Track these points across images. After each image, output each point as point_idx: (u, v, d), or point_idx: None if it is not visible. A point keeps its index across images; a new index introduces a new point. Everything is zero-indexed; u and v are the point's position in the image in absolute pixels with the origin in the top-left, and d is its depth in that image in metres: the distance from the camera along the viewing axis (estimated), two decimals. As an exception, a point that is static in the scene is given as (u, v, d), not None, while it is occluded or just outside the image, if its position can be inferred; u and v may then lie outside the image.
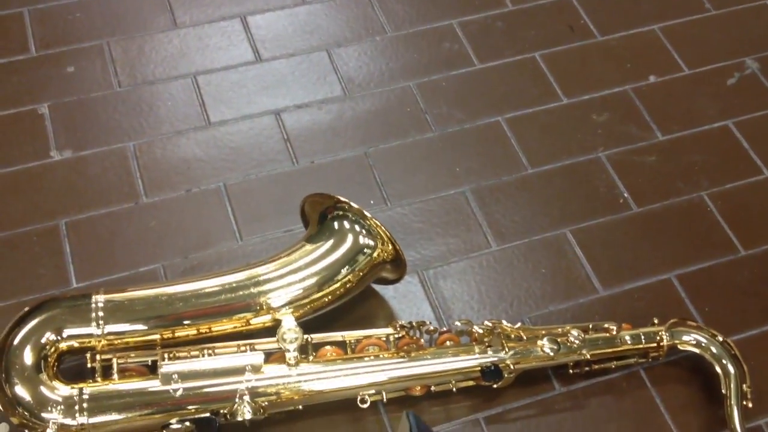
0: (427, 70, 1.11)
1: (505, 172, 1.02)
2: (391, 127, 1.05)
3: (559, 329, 0.84)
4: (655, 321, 0.86)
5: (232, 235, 0.95)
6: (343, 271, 0.83)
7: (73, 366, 0.82)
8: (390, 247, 0.84)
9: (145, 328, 0.79)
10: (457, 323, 0.84)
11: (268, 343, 0.80)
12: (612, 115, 1.08)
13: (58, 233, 0.95)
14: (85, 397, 0.76)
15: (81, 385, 0.77)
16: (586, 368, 0.85)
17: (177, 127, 1.04)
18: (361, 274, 0.84)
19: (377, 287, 0.91)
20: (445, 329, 0.84)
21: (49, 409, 0.74)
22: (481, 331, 0.81)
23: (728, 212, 0.99)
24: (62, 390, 0.76)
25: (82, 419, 0.75)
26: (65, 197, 0.98)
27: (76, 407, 0.75)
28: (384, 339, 0.82)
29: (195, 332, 0.80)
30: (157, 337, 0.80)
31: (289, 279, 0.82)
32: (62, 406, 0.75)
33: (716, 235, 0.97)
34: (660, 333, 0.84)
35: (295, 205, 0.91)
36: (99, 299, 0.79)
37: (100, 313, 0.78)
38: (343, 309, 0.86)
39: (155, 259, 0.93)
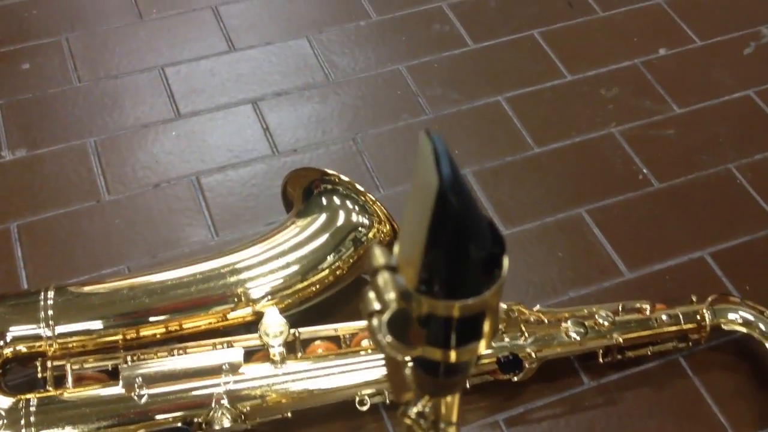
0: (418, 53, 1.02)
1: (509, 152, 0.91)
2: (380, 112, 0.96)
3: (585, 310, 0.73)
4: (694, 299, 0.75)
5: (206, 231, 0.84)
6: (333, 256, 0.72)
7: (26, 382, 0.71)
8: (388, 227, 0.74)
9: (104, 327, 0.68)
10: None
11: (249, 340, 0.69)
12: (622, 90, 0.98)
13: (9, 237, 0.84)
14: (32, 409, 0.64)
15: (28, 395, 0.65)
16: (619, 356, 0.73)
17: (143, 120, 0.94)
18: (353, 259, 0.73)
19: (373, 278, 0.80)
20: (453, 317, 0.73)
21: (-11, 424, 0.63)
22: (496, 312, 0.70)
23: (760, 183, 0.89)
24: (3, 402, 0.64)
25: (28, 435, 0.63)
26: (17, 198, 0.87)
27: (22, 421, 0.63)
28: (384, 331, 0.71)
29: (163, 331, 0.69)
30: (118, 338, 0.68)
31: (271, 265, 0.71)
32: (5, 421, 0.63)
33: (749, 207, 0.87)
34: (701, 311, 0.73)
35: (277, 196, 0.81)
36: (49, 295, 0.67)
37: (50, 312, 0.67)
38: (335, 301, 0.75)
39: (120, 260, 0.82)
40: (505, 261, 0.32)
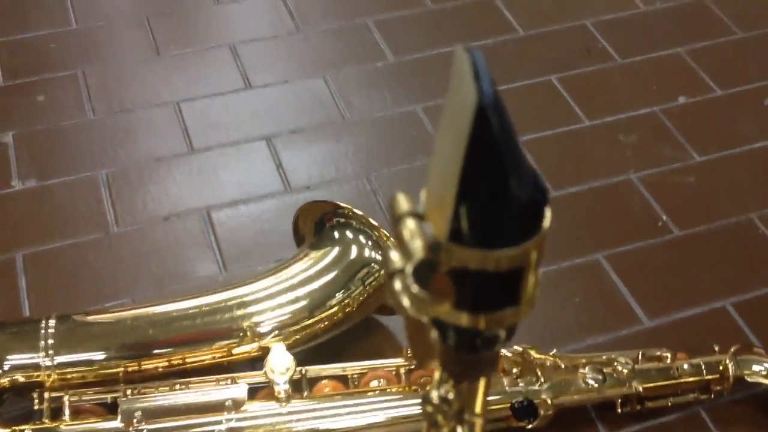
0: (434, 95, 1.01)
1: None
2: (395, 152, 0.94)
3: (604, 357, 0.70)
4: (716, 349, 0.72)
5: (214, 265, 0.83)
6: (343, 292, 0.70)
7: (22, 415, 0.68)
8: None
9: (105, 358, 0.66)
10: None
11: (254, 377, 0.66)
12: (641, 136, 0.97)
13: (14, 266, 0.82)
14: (27, 441, 0.61)
15: (23, 426, 0.62)
16: (638, 406, 0.70)
17: (156, 154, 0.93)
18: (364, 296, 0.71)
19: (384, 320, 0.78)
20: (466, 360, 0.70)
21: (-19, 455, 0.60)
22: (510, 355, 0.67)
23: (783, 234, 0.87)
24: (-2, 432, 0.61)
25: (21, 468, 0.60)
26: (24, 228, 0.86)
27: (16, 454, 0.61)
28: (393, 371, 0.68)
29: (166, 364, 0.67)
30: (119, 370, 0.66)
31: (279, 300, 0.69)
32: (-2, 452, 0.61)
33: (773, 258, 0.85)
34: (723, 362, 0.71)
35: (287, 233, 0.79)
36: (50, 323, 0.65)
37: (51, 341, 0.65)
38: (344, 340, 0.73)
39: (125, 293, 0.80)
40: (548, 212, 0.28)
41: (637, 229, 0.87)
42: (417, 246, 0.27)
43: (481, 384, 0.33)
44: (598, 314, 0.80)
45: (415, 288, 0.28)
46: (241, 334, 0.67)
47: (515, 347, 0.68)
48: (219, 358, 0.68)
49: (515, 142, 0.27)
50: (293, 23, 1.10)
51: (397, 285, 0.28)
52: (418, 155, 0.94)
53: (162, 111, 0.98)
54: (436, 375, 0.33)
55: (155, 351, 0.66)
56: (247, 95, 1.00)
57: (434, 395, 0.32)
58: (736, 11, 1.13)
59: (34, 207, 0.88)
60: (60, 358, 0.65)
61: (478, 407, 0.34)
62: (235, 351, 0.67)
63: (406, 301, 0.28)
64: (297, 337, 0.69)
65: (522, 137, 0.94)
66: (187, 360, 0.67)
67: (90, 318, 0.67)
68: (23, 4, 1.11)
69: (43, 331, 0.65)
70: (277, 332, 0.68)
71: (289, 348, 0.67)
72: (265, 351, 0.67)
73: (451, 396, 0.32)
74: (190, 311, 0.67)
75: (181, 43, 1.07)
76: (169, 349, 0.66)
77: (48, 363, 0.64)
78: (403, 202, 0.28)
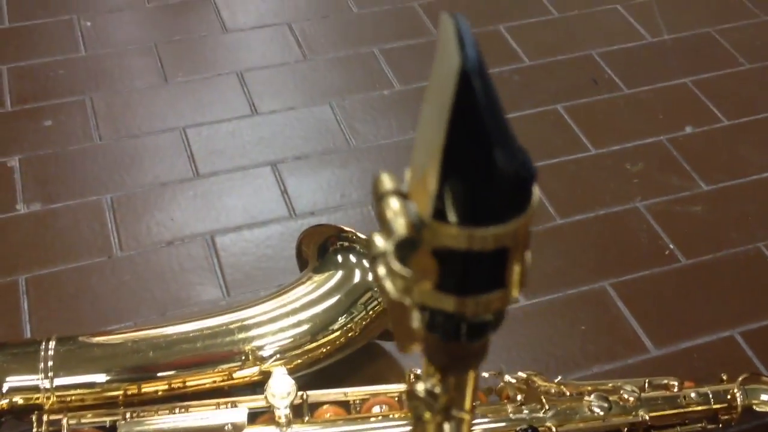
0: (440, 123, 1.01)
1: (533, 222, 0.89)
2: (401, 178, 0.94)
3: (610, 384, 0.69)
4: (724, 377, 0.71)
5: (217, 290, 0.82)
6: (346, 317, 0.69)
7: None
8: (402, 291, 0.71)
9: (105, 381, 0.65)
10: (484, 374, 0.69)
11: (255, 401, 0.66)
12: (648, 165, 0.96)
13: (16, 289, 0.82)
14: (24, 463, 0.60)
15: (20, 449, 0.62)
16: (644, 436, 0.69)
17: (161, 179, 0.93)
18: (366, 321, 0.70)
19: (387, 345, 0.77)
20: (470, 386, 0.69)
21: (-24, 477, 0.59)
22: (513, 381, 0.67)
23: (792, 264, 0.86)
24: (-5, 454, 0.61)
25: (16, 491, 0.59)
26: (28, 251, 0.85)
27: (12, 477, 0.60)
28: (396, 397, 0.68)
29: (166, 387, 0.66)
30: (119, 393, 0.65)
31: (281, 323, 0.68)
32: (-7, 475, 0.60)
33: (781, 288, 0.84)
34: (731, 391, 0.69)
35: (291, 258, 0.79)
36: (51, 345, 0.65)
37: (50, 362, 0.64)
38: (346, 365, 0.72)
39: (127, 317, 0.80)
40: (535, 190, 0.27)
41: (644, 257, 0.86)
42: (400, 224, 0.26)
43: (470, 378, 0.32)
44: (604, 342, 0.79)
45: (396, 265, 0.27)
46: (243, 357, 0.67)
47: (519, 374, 0.68)
48: (220, 381, 0.67)
49: (500, 112, 0.26)
50: (300, 51, 1.11)
51: (381, 269, 0.27)
52: (423, 182, 0.93)
53: (168, 137, 0.98)
54: (423, 368, 0.32)
55: (155, 374, 0.65)
56: (254, 121, 1.00)
57: (420, 388, 0.31)
58: (742, 43, 1.13)
59: (38, 230, 0.88)
60: (59, 380, 0.64)
61: (466, 403, 0.32)
62: (235, 375, 0.67)
63: (388, 284, 0.27)
64: (299, 361, 0.68)
65: (528, 165, 0.93)
66: (188, 383, 0.66)
67: (90, 340, 0.66)
68: (33, 30, 1.12)
69: (42, 353, 0.64)
70: (278, 356, 0.67)
71: (291, 372, 0.67)
72: (266, 375, 0.66)
73: (437, 390, 0.31)
74: (191, 334, 0.67)
75: (189, 70, 1.07)
76: (169, 373, 0.66)
77: (47, 385, 0.64)
78: (386, 181, 0.28)
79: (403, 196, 0.27)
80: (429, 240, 0.26)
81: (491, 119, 0.25)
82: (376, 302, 0.70)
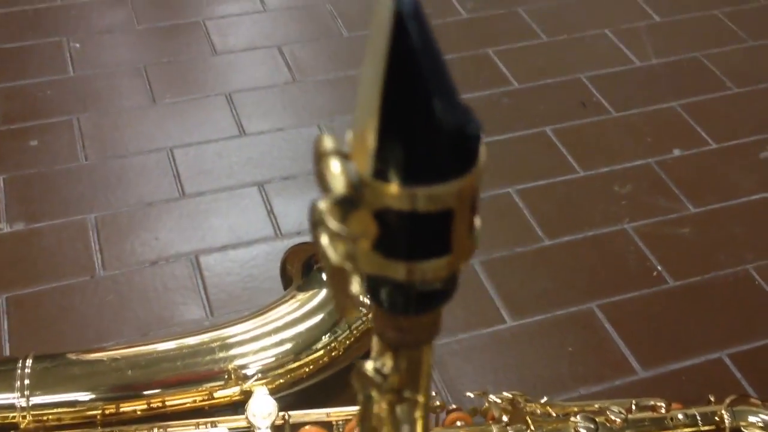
0: (428, 144, 1.00)
1: (519, 243, 0.89)
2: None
3: (596, 405, 0.68)
4: (711, 399, 0.70)
5: (201, 310, 0.81)
6: (329, 336, 0.68)
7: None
8: (387, 310, 0.70)
9: (83, 400, 0.64)
10: (470, 394, 0.68)
11: (235, 421, 0.64)
12: (636, 187, 0.96)
13: (-3, 308, 0.81)
14: (-3, 483, 0.59)
15: (-6, 469, 0.60)
16: (631, 458, 0.68)
17: (146, 199, 0.93)
18: (350, 340, 0.69)
19: (372, 364, 0.76)
20: (453, 407, 0.68)
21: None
22: (499, 401, 0.65)
23: (780, 286, 0.85)
24: (-32, 474, 0.59)
25: None
26: (10, 271, 0.85)
27: (-16, 497, 0.58)
28: (379, 418, 0.66)
29: (145, 407, 0.65)
30: (97, 412, 0.64)
31: (263, 342, 0.67)
32: (-35, 495, 0.58)
33: (770, 309, 0.83)
34: (719, 412, 0.68)
35: (277, 279, 0.78)
36: (27, 363, 0.64)
37: (27, 381, 0.63)
38: (329, 387, 0.71)
39: (109, 337, 0.79)
40: (483, 150, 0.25)
41: (632, 278, 0.86)
42: (339, 183, 0.25)
43: (423, 357, 0.29)
44: (591, 364, 0.78)
45: (333, 224, 0.25)
46: (224, 376, 0.65)
47: (505, 394, 0.67)
48: (200, 401, 0.66)
49: (440, 60, 0.24)
50: (290, 74, 1.11)
51: (322, 235, 0.25)
52: (410, 203, 0.93)
53: (155, 157, 0.98)
54: (373, 346, 0.30)
55: (134, 393, 0.64)
56: (241, 142, 1.00)
57: (368, 366, 0.29)
58: (730, 67, 1.14)
59: (20, 249, 0.87)
60: (36, 399, 0.63)
61: (419, 384, 0.30)
62: (216, 394, 0.66)
63: (330, 250, 0.26)
64: (281, 381, 0.67)
65: (515, 186, 0.93)
66: (167, 403, 0.65)
67: (68, 358, 0.65)
68: (22, 52, 1.12)
69: (19, 371, 0.63)
70: (260, 375, 0.66)
71: (273, 392, 0.66)
72: (247, 395, 0.65)
73: (387, 369, 0.29)
74: (171, 353, 0.66)
75: (178, 92, 1.07)
76: (148, 392, 0.64)
77: (23, 404, 0.62)
78: (327, 142, 0.26)
79: (344, 156, 0.25)
80: (370, 201, 0.25)
81: (429, 65, 0.23)
82: (360, 322, 0.69)
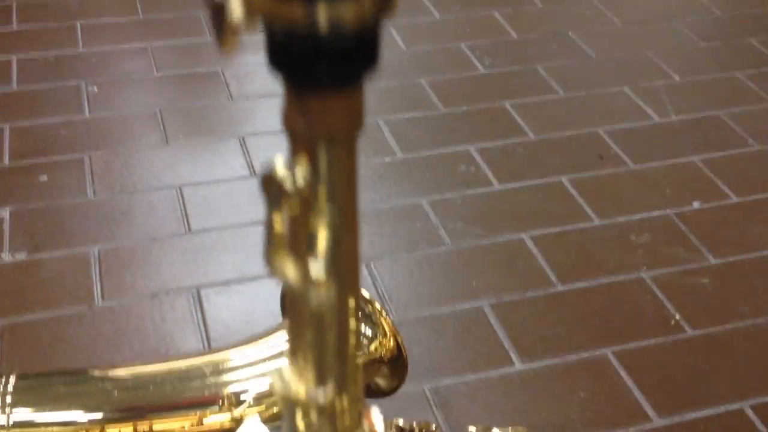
0: (441, 190, 0.99)
1: (531, 288, 0.86)
2: (398, 241, 0.91)
3: (608, 447, 0.64)
4: (733, 447, 0.66)
5: (198, 343, 0.79)
6: (328, 365, 0.65)
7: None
8: (392, 343, 0.67)
9: (66, 420, 0.61)
10: (471, 428, 0.64)
11: (224, 449, 0.61)
12: (654, 237, 0.93)
13: (-9, 335, 0.79)
14: (-32, 503, 0.56)
15: (-34, 488, 0.57)
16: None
17: (151, 234, 0.91)
18: (350, 372, 0.66)
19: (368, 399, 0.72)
20: (456, 444, 0.65)
21: None
22: (503, 435, 0.62)
23: (805, 338, 0.81)
24: (-62, 491, 0.56)
25: None
26: (7, 300, 0.83)
27: None
28: (377, 453, 0.63)
29: (131, 430, 0.61)
30: (79, 435, 0.61)
31: (258, 369, 0.64)
32: None
33: (794, 361, 0.79)
34: (741, 460, 0.64)
35: (277, 314, 0.75)
36: (10, 380, 0.61)
37: (8, 398, 0.60)
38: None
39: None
40: None
41: (648, 326, 0.82)
42: None
43: (346, 160, 0.23)
44: (604, 410, 0.74)
45: None
46: (216, 402, 0.62)
47: (509, 429, 0.63)
48: (188, 427, 0.62)
49: None
50: (304, 120, 1.10)
51: None
52: (419, 245, 0.91)
53: (163, 194, 0.97)
54: (288, 150, 0.24)
55: (120, 415, 0.61)
56: (251, 183, 0.99)
57: (278, 166, 0.23)
58: (751, 125, 1.12)
59: (20, 279, 0.85)
60: (17, 416, 0.60)
61: (344, 193, 0.23)
62: (206, 420, 0.62)
63: None
64: (275, 409, 0.63)
65: (529, 232, 0.91)
66: (155, 428, 0.62)
67: (53, 377, 0.62)
68: (40, 94, 1.13)
69: (1, 388, 0.61)
70: (252, 402, 0.63)
71: (266, 421, 0.62)
72: (238, 422, 0.62)
73: (301, 173, 0.23)
74: (161, 375, 0.63)
75: (191, 134, 1.07)
76: (135, 414, 0.61)
77: (3, 422, 0.59)
78: None
79: None
80: None
81: None
82: (360, 352, 0.66)
